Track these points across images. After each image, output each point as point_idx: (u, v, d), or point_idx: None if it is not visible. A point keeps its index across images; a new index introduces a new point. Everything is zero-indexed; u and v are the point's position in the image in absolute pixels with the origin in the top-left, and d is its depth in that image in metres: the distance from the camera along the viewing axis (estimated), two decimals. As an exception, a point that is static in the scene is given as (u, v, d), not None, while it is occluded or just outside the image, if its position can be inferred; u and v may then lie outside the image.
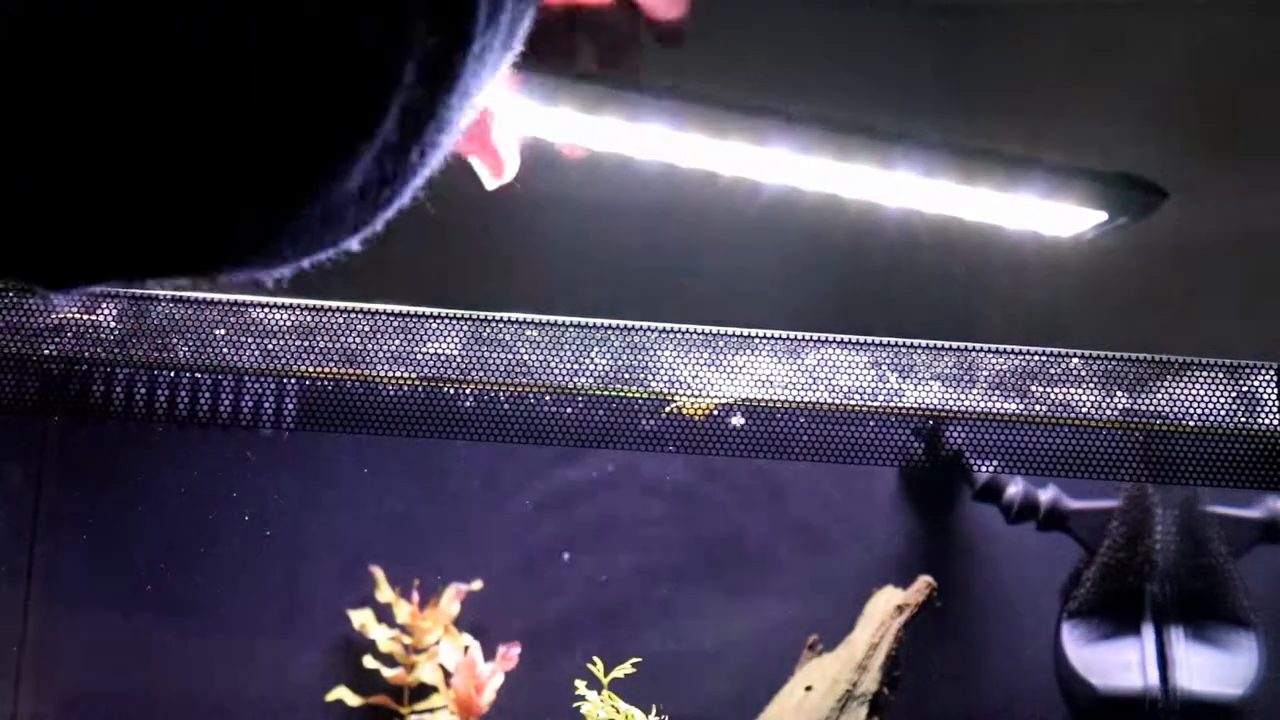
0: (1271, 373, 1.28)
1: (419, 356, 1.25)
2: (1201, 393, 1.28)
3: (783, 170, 0.70)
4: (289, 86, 0.35)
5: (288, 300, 1.25)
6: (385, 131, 0.37)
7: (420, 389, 1.25)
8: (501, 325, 1.26)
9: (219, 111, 0.34)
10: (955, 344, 1.27)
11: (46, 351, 1.27)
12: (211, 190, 0.36)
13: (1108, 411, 1.28)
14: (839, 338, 1.26)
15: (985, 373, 1.27)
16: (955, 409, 1.27)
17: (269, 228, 0.38)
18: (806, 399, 1.25)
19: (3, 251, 0.36)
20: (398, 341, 1.26)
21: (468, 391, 1.26)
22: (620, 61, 0.66)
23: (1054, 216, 0.74)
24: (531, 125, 0.67)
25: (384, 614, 1.45)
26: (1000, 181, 0.70)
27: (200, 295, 1.24)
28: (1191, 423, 1.28)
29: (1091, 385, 1.28)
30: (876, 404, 1.25)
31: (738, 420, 1.25)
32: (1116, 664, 1.41)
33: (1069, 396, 1.27)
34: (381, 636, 1.43)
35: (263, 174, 0.36)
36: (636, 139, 0.67)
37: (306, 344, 1.26)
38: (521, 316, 1.26)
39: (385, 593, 1.44)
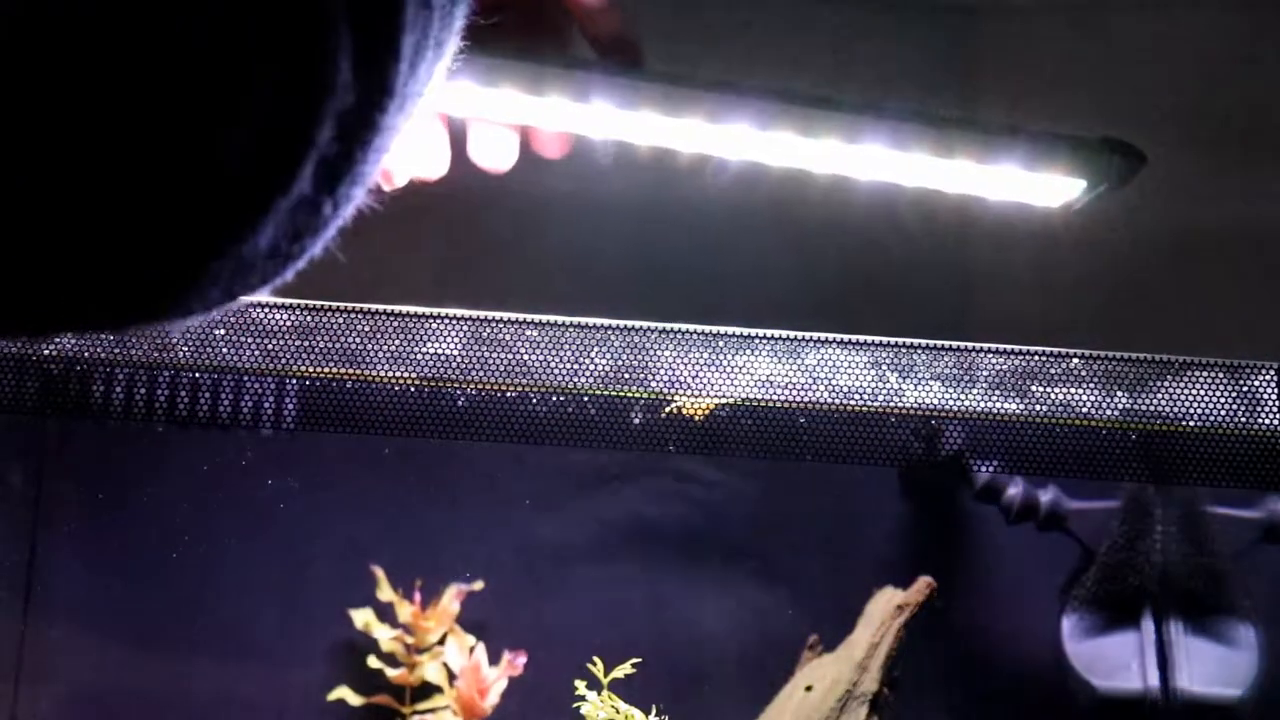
0: (1271, 373, 1.28)
1: (419, 356, 1.25)
2: (1201, 393, 1.28)
3: (747, 147, 0.69)
4: (198, 145, 0.34)
5: (288, 300, 1.25)
6: (299, 189, 0.36)
7: (420, 389, 1.25)
8: (501, 325, 1.26)
9: (117, 174, 0.34)
10: (955, 344, 1.27)
11: (46, 351, 1.27)
12: (114, 252, 0.35)
13: (1108, 411, 1.28)
14: (839, 337, 1.26)
15: (985, 373, 1.27)
16: (955, 409, 1.27)
17: (175, 286, 0.37)
18: (806, 399, 1.25)
19: None
20: (398, 341, 1.26)
21: (468, 391, 1.26)
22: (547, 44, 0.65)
23: (1036, 186, 0.73)
24: (472, 107, 0.66)
25: (386, 614, 1.45)
26: (978, 153, 0.69)
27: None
28: (1192, 423, 1.28)
29: (1091, 385, 1.28)
30: (876, 404, 1.26)
31: (740, 420, 1.26)
32: (1117, 664, 1.41)
33: (1069, 396, 1.27)
34: (384, 636, 1.43)
35: (170, 233, 0.35)
36: (587, 119, 0.66)
37: (306, 344, 1.26)
38: (521, 316, 1.26)
39: (387, 592, 1.44)
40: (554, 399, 1.26)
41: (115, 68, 0.32)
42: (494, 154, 0.69)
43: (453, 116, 0.66)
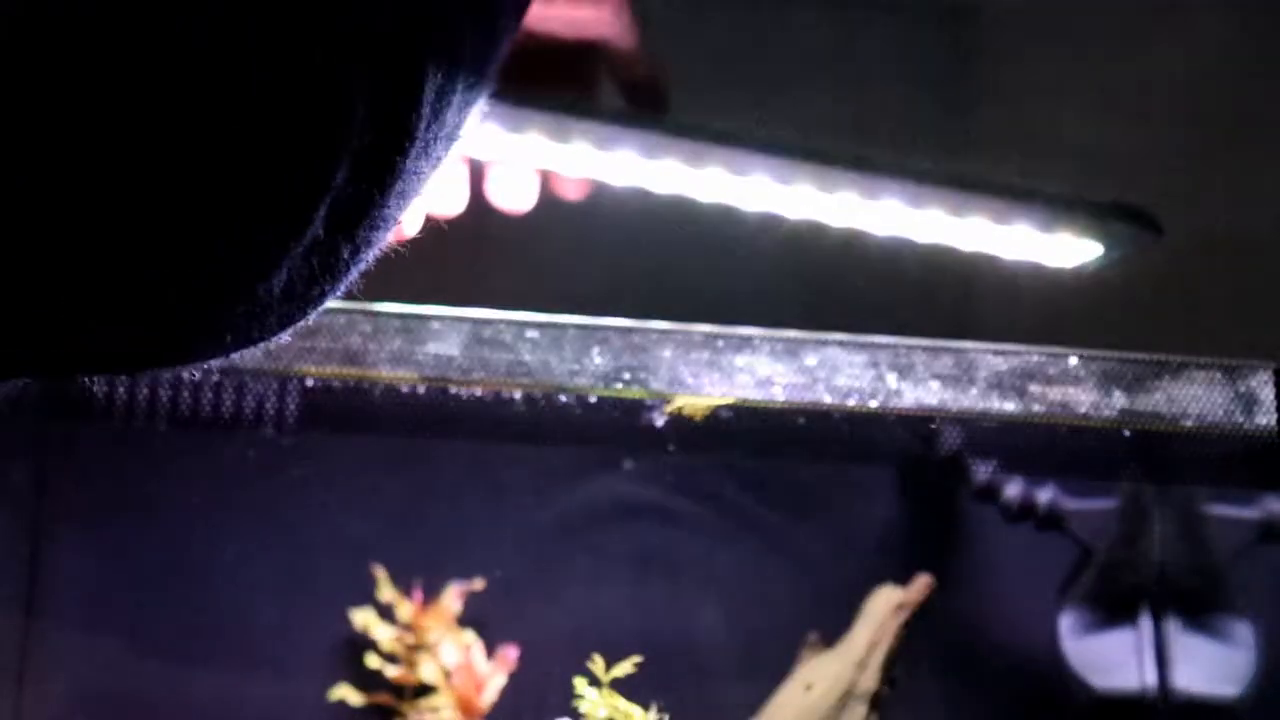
0: (1270, 373, 1.29)
1: (419, 356, 1.26)
2: (1199, 393, 1.28)
3: (763, 199, 0.70)
4: (205, 185, 0.34)
5: (289, 300, 1.25)
6: (312, 232, 0.36)
7: (420, 389, 1.26)
8: (501, 325, 1.26)
9: (130, 216, 0.33)
10: (954, 344, 1.28)
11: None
12: (125, 298, 0.35)
13: (1106, 411, 1.28)
14: (839, 337, 1.26)
15: (984, 372, 1.27)
16: (954, 409, 1.27)
17: (187, 332, 0.37)
18: (806, 399, 1.25)
19: None
20: (398, 341, 1.26)
21: (468, 391, 1.26)
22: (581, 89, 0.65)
23: (1050, 248, 0.74)
24: (496, 152, 0.66)
25: (386, 613, 1.45)
26: (993, 215, 0.70)
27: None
28: (1190, 423, 1.28)
29: (1090, 385, 1.28)
30: (876, 404, 1.26)
31: (736, 421, 1.26)
32: (1115, 663, 1.41)
33: (1068, 396, 1.28)
34: (384, 635, 1.44)
35: (179, 280, 0.35)
36: (609, 167, 0.66)
37: (306, 344, 1.26)
38: (521, 316, 1.26)
39: (387, 592, 1.45)
40: (554, 399, 1.26)
41: (117, 102, 0.32)
42: (513, 195, 0.69)
43: (474, 158, 0.66)
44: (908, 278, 1.24)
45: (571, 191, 0.70)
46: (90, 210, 0.33)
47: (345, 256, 0.38)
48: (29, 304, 0.34)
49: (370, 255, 0.39)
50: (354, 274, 0.40)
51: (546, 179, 0.69)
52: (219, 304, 0.36)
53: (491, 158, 0.66)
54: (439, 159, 0.39)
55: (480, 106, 0.40)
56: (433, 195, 0.65)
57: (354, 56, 0.34)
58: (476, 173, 0.68)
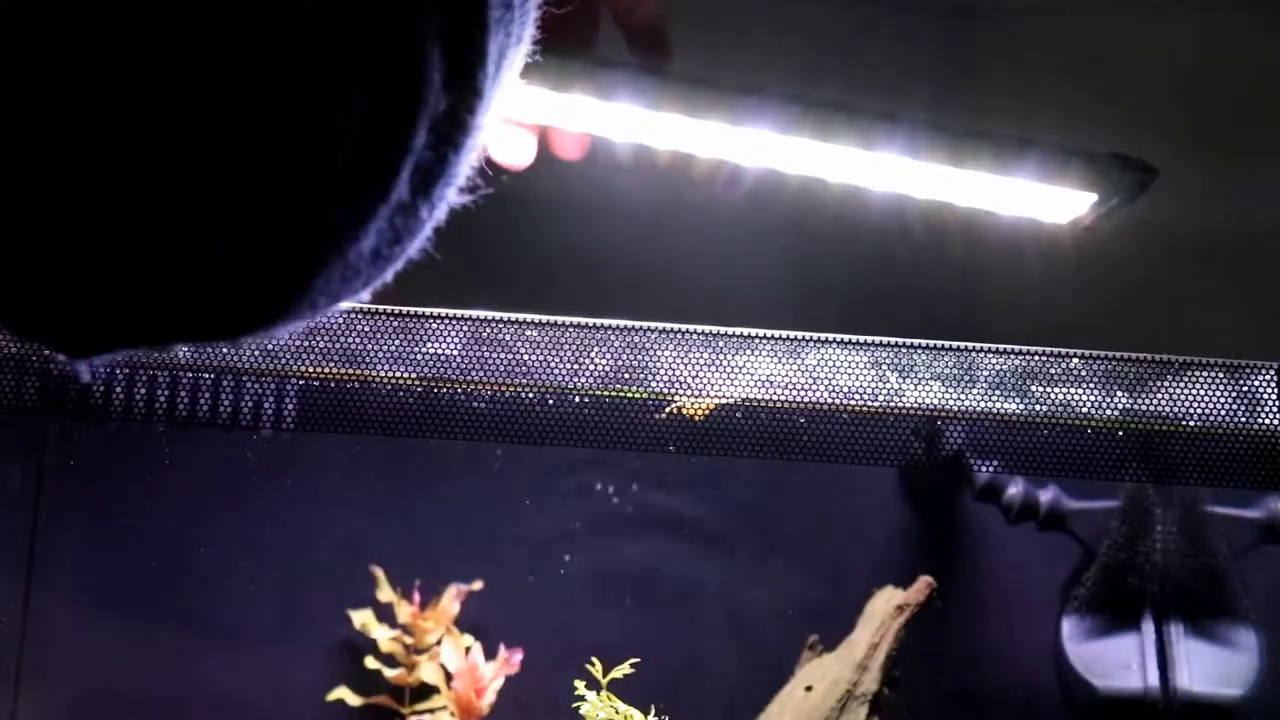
0: (1271, 373, 1.28)
1: (419, 356, 1.25)
2: (1201, 393, 1.28)
3: (763, 152, 0.69)
4: (300, 158, 0.35)
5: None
6: (398, 195, 0.37)
7: (420, 389, 1.25)
8: (501, 325, 1.26)
9: (232, 188, 0.34)
10: (955, 344, 1.27)
11: (47, 351, 1.27)
12: (229, 265, 0.36)
13: (1108, 411, 1.28)
14: (839, 337, 1.26)
15: (985, 373, 1.27)
16: (955, 409, 1.27)
17: (287, 293, 0.38)
18: (806, 399, 1.25)
19: (17, 301, 0.36)
20: (398, 341, 1.26)
21: (468, 391, 1.26)
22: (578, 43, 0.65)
23: (1047, 200, 0.73)
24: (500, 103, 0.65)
25: (385, 614, 1.45)
26: (990, 164, 0.69)
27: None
28: (1191, 423, 1.27)
29: (1091, 385, 1.28)
30: (876, 404, 1.25)
31: (741, 419, 1.25)
32: (1117, 664, 1.41)
33: (1069, 396, 1.27)
34: (383, 636, 1.43)
35: (280, 242, 0.36)
36: (609, 118, 0.66)
37: (306, 344, 1.26)
38: (521, 316, 1.26)
39: (386, 592, 1.44)
40: (554, 399, 1.25)
41: (203, 82, 0.33)
42: (512, 151, 0.70)
43: None
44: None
45: (570, 149, 0.70)
46: (193, 182, 0.34)
47: (424, 216, 0.39)
48: (136, 269, 0.35)
49: (442, 212, 0.40)
50: (429, 231, 0.41)
51: (545, 138, 0.69)
52: (315, 269, 0.37)
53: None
54: (494, 111, 0.40)
55: (522, 59, 0.41)
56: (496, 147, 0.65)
57: (430, 22, 0.35)
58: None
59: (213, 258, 0.36)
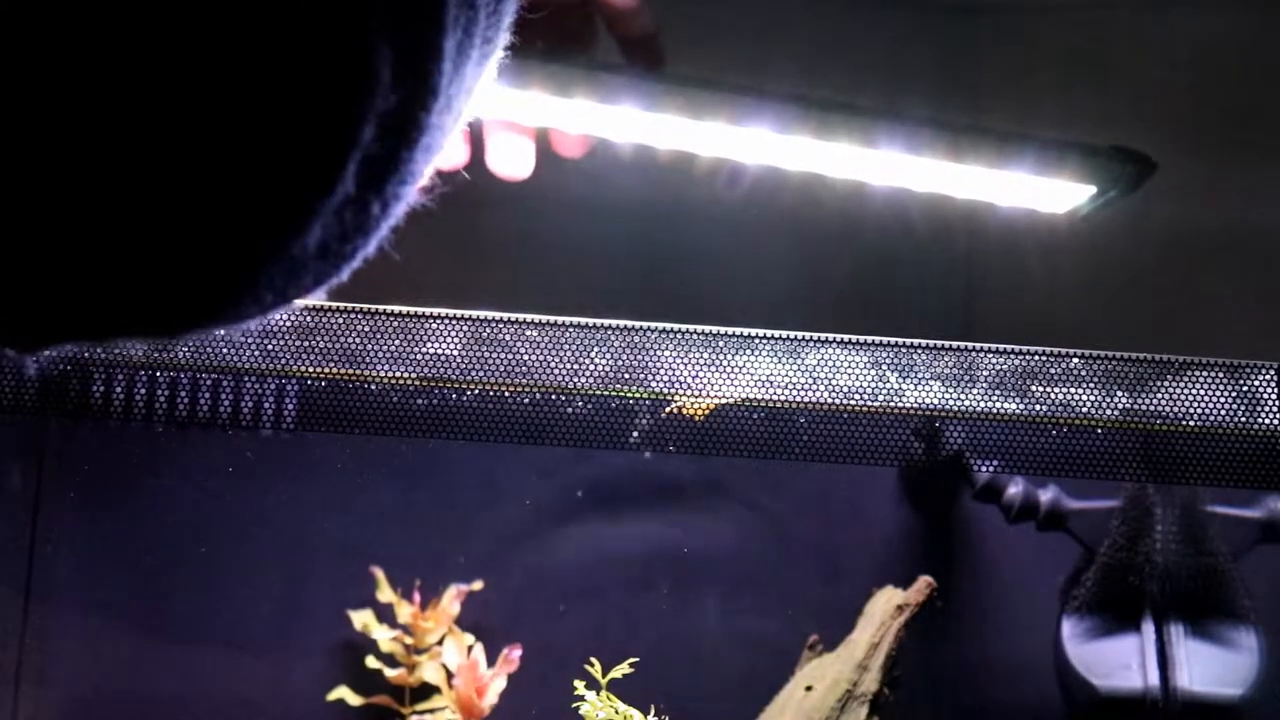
0: (1271, 373, 1.28)
1: (419, 356, 1.25)
2: (1201, 393, 1.28)
3: (763, 150, 0.69)
4: (235, 149, 0.34)
5: (288, 300, 1.24)
6: (343, 189, 0.36)
7: (420, 389, 1.25)
8: (501, 325, 1.26)
9: (165, 177, 0.34)
10: (955, 344, 1.27)
11: (46, 351, 1.27)
12: (164, 258, 0.35)
13: (1108, 411, 1.28)
14: (839, 337, 1.26)
15: (985, 373, 1.27)
16: (955, 409, 1.27)
17: (228, 289, 0.37)
18: (806, 399, 1.25)
19: None
20: (398, 341, 1.26)
21: (468, 391, 1.25)
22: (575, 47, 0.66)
23: (1046, 192, 0.73)
24: (500, 108, 0.66)
25: (385, 614, 1.45)
26: (990, 158, 0.70)
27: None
28: (1191, 423, 1.27)
29: (1091, 385, 1.28)
30: (876, 404, 1.25)
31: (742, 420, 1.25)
32: (1117, 664, 1.41)
33: (1069, 396, 1.27)
34: (383, 637, 1.43)
35: (216, 238, 0.36)
36: (611, 121, 0.66)
37: (306, 344, 1.26)
38: (521, 316, 1.26)
39: (386, 593, 1.44)
40: (554, 399, 1.25)
41: (149, 70, 0.33)
42: (512, 161, 0.70)
43: (476, 116, 0.66)
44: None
45: (572, 149, 0.70)
46: (123, 173, 0.33)
47: (376, 212, 0.39)
48: (71, 265, 0.35)
49: (399, 210, 0.40)
50: (385, 229, 0.40)
51: (546, 139, 0.69)
52: (255, 264, 0.37)
53: (495, 114, 0.66)
54: (459, 113, 0.40)
55: (496, 61, 0.40)
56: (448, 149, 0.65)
57: (378, 16, 0.35)
58: (477, 141, 0.68)
59: (151, 252, 0.35)
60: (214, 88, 0.33)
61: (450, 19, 0.37)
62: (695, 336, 1.25)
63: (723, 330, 1.25)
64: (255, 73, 0.33)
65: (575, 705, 1.19)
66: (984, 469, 1.43)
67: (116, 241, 0.35)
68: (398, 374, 1.25)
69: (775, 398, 1.25)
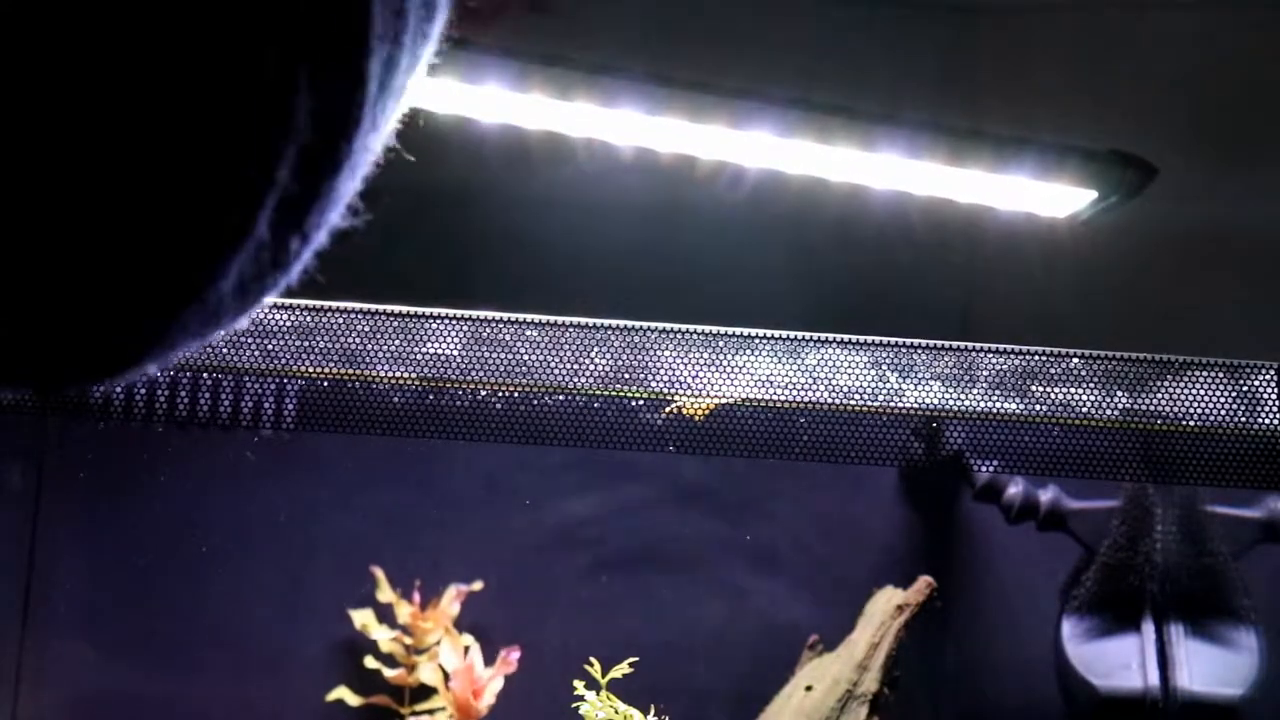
0: (1271, 373, 1.28)
1: (419, 356, 1.25)
2: (1201, 393, 1.28)
3: (764, 153, 0.69)
4: (146, 205, 0.33)
5: (288, 300, 1.25)
6: (256, 236, 0.35)
7: (420, 389, 1.25)
8: (501, 325, 1.26)
9: (78, 231, 0.33)
10: (955, 344, 1.27)
11: None
12: (69, 314, 0.34)
13: (1108, 411, 1.28)
14: (839, 337, 1.26)
15: (985, 373, 1.27)
16: (955, 409, 1.27)
17: (140, 340, 0.36)
18: (806, 399, 1.25)
19: None
20: (398, 341, 1.26)
21: (468, 391, 1.25)
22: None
23: (1047, 197, 0.74)
24: (501, 110, 0.66)
25: (385, 614, 1.45)
26: (990, 163, 0.70)
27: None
28: (1192, 423, 1.27)
29: (1091, 385, 1.28)
30: (876, 404, 1.25)
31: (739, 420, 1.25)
32: (1117, 664, 1.41)
33: (1069, 396, 1.27)
34: (382, 637, 1.43)
35: (123, 295, 0.34)
36: (613, 124, 0.66)
37: (306, 344, 1.26)
38: (521, 316, 1.26)
39: (386, 593, 1.44)
40: (554, 399, 1.25)
41: (54, 128, 0.31)
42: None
43: (482, 120, 0.66)
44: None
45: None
46: (27, 233, 0.32)
47: (296, 248, 0.37)
48: None
49: (323, 237, 0.39)
50: (307, 258, 0.39)
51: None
52: (167, 311, 0.36)
53: (498, 117, 0.66)
54: (388, 123, 0.39)
55: (430, 57, 0.39)
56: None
57: (294, 52, 0.33)
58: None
59: (54, 306, 0.34)
60: (123, 138, 0.32)
61: (376, 39, 0.35)
62: (695, 336, 1.25)
63: (723, 330, 1.25)
64: (157, 128, 0.32)
65: (575, 705, 1.19)
66: (984, 469, 1.43)
67: (24, 300, 0.34)
68: (398, 374, 1.25)
69: (775, 398, 1.25)
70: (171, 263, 0.34)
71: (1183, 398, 1.28)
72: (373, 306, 1.26)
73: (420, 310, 1.26)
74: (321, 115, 0.34)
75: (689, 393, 1.24)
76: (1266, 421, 1.27)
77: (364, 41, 0.34)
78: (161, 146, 0.32)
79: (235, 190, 0.34)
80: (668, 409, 1.25)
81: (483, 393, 1.25)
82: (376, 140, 0.38)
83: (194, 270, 0.35)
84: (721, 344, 1.25)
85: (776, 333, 1.26)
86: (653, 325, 1.26)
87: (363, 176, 0.39)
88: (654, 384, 1.25)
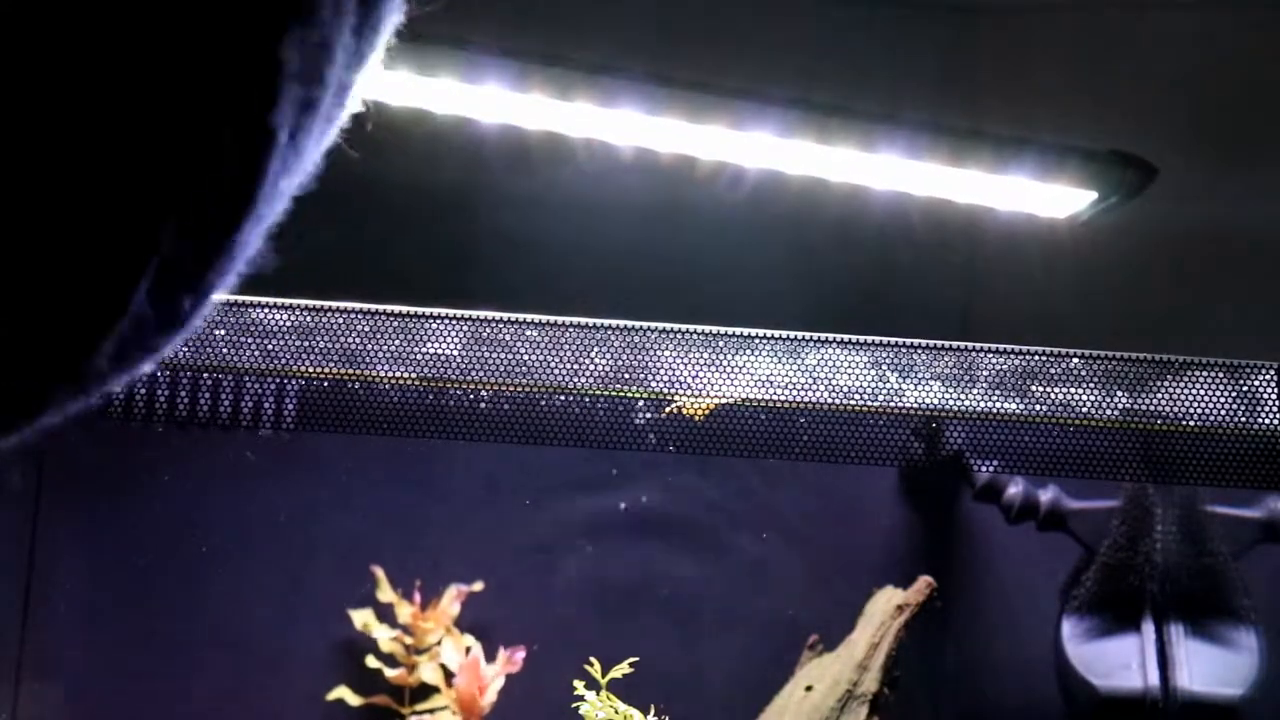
0: (1271, 373, 1.28)
1: (419, 356, 1.25)
2: (1201, 393, 1.28)
3: (764, 154, 0.69)
4: (15, 285, 0.32)
5: (288, 300, 1.25)
6: (130, 314, 0.34)
7: (420, 389, 1.25)
8: (501, 325, 1.26)
9: None
10: (955, 344, 1.27)
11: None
12: None
13: (1108, 411, 1.28)
14: (839, 337, 1.26)
15: (985, 373, 1.27)
16: (955, 409, 1.27)
17: (19, 412, 0.36)
18: (806, 399, 1.25)
19: None
20: (398, 341, 1.26)
21: (467, 391, 1.26)
22: None
23: (1046, 197, 0.74)
24: (499, 110, 0.66)
25: (385, 614, 1.45)
26: (990, 163, 0.70)
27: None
28: (1192, 423, 1.27)
29: (1091, 385, 1.28)
30: (876, 404, 1.25)
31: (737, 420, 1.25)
32: (1117, 664, 1.41)
33: (1069, 396, 1.27)
34: (383, 636, 1.43)
35: (13, 364, 0.33)
36: (613, 124, 0.66)
37: (306, 344, 1.26)
38: (521, 316, 1.26)
39: (386, 593, 1.44)
40: (554, 399, 1.25)
41: None
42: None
43: (482, 120, 0.66)
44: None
45: None
46: None
47: (187, 308, 0.36)
48: None
49: (224, 285, 0.37)
50: (205, 310, 0.38)
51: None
52: (43, 388, 0.35)
53: (497, 117, 0.66)
54: (309, 158, 0.37)
55: (378, 58, 0.37)
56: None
57: (183, 124, 0.31)
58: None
59: None
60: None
61: (286, 85, 0.32)
62: (695, 336, 1.25)
63: (723, 330, 1.25)
64: (24, 217, 0.31)
65: (575, 705, 1.19)
66: (984, 469, 1.43)
67: None
68: (398, 374, 1.25)
69: (775, 398, 1.25)
70: (39, 347, 0.33)
71: (1183, 398, 1.28)
72: (373, 306, 1.26)
73: (420, 310, 1.26)
74: (217, 177, 0.32)
75: (689, 393, 1.25)
76: (1266, 421, 1.27)
77: (270, 95, 0.32)
78: (20, 237, 0.31)
79: (102, 277, 0.32)
80: (668, 409, 1.25)
81: (482, 392, 1.25)
82: (290, 181, 0.36)
83: (62, 353, 0.33)
84: (721, 344, 1.25)
85: (776, 333, 1.26)
86: (653, 325, 1.26)
87: (277, 210, 0.36)
88: (654, 384, 1.25)
